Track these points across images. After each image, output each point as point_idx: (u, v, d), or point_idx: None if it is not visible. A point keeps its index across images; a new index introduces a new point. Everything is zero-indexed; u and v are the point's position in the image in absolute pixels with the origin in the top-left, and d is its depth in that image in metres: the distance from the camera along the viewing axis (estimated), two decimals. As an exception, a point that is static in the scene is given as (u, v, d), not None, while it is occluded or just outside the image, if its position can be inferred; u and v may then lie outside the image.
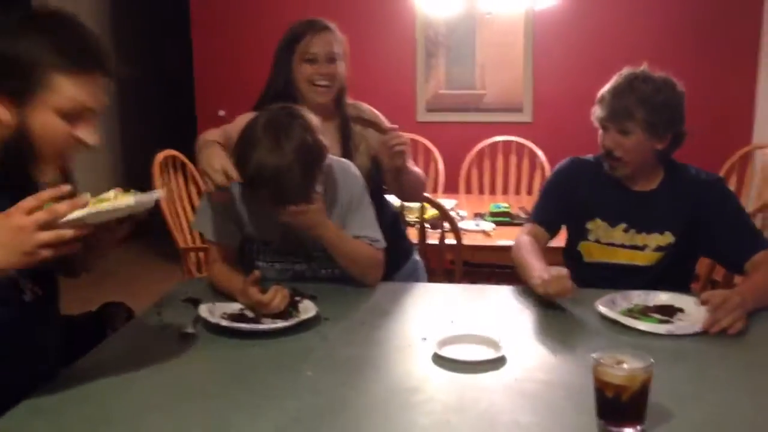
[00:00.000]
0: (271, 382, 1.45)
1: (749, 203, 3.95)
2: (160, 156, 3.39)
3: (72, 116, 1.33)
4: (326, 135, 1.88)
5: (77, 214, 1.21)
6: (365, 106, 2.35)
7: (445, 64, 4.79)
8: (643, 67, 2.14)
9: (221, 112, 5.00)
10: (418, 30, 4.77)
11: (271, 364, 1.54)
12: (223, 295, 1.88)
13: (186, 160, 3.55)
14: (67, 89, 1.30)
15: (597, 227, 2.10)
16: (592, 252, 2.12)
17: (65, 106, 1.31)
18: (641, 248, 2.07)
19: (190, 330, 1.66)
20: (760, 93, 4.46)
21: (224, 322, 1.68)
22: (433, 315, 1.84)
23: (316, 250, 1.99)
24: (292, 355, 1.58)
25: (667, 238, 2.05)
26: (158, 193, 1.36)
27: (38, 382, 1.38)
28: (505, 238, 3.04)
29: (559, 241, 2.23)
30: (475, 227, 3.17)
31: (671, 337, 1.65)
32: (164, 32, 6.39)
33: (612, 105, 2.04)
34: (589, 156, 2.23)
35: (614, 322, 1.72)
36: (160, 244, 5.13)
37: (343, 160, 2.06)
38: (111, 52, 1.37)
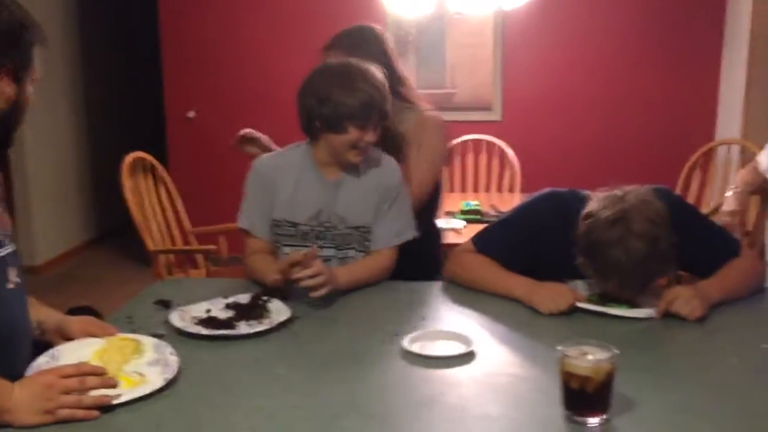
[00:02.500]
0: (244, 382, 1.46)
1: (713, 198, 4.03)
2: (129, 158, 3.37)
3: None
4: None
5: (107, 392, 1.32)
6: None
7: (415, 64, 4.81)
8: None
9: (190, 113, 4.99)
10: (388, 31, 4.77)
11: (243, 363, 1.55)
12: (256, 280, 1.98)
13: (155, 162, 3.53)
14: (39, 62, 1.43)
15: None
16: None
17: (38, 77, 1.44)
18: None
19: (160, 332, 1.66)
20: (723, 89, 4.55)
21: (204, 330, 1.66)
22: (403, 312, 1.86)
23: (346, 230, 2.05)
24: (264, 354, 1.59)
25: None
26: None
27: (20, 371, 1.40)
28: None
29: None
30: (446, 225, 3.20)
31: (634, 328, 1.70)
32: (132, 30, 6.34)
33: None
34: (569, 192, 1.97)
35: (583, 312, 1.76)
36: (128, 246, 5.11)
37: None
38: None
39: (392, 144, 2.24)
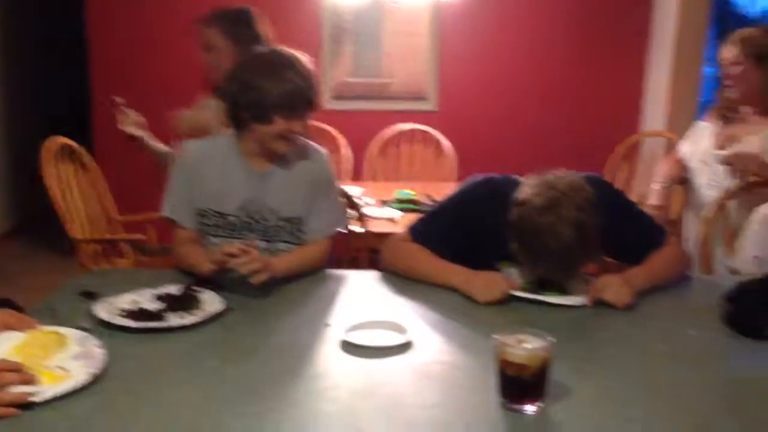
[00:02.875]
0: (175, 376, 1.41)
1: (638, 189, 4.14)
2: (51, 144, 3.21)
3: None
4: None
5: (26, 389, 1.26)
6: None
7: (352, 51, 4.77)
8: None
9: (118, 99, 4.81)
10: (325, 16, 4.74)
11: (173, 357, 1.50)
12: (186, 270, 1.93)
13: (78, 148, 3.38)
14: None
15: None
16: None
17: None
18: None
19: (85, 325, 1.59)
20: (649, 82, 4.67)
21: (132, 323, 1.60)
22: (339, 302, 1.84)
23: (276, 222, 2.01)
24: (195, 347, 1.55)
25: None
26: None
27: None
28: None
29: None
30: (382, 214, 3.19)
31: (567, 316, 1.72)
32: (56, 14, 6.09)
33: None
34: (503, 178, 1.98)
35: (518, 300, 1.78)
36: (47, 237, 4.91)
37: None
38: None
39: None
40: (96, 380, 1.32)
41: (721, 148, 2.59)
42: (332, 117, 4.63)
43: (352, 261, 2.91)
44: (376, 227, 3.00)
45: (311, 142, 2.11)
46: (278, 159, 2.00)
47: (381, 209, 3.26)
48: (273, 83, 1.88)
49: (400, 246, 2.02)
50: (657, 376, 1.42)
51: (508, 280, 1.82)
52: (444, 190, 3.80)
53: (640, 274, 1.83)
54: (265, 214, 2.01)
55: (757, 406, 1.31)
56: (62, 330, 1.46)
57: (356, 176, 4.35)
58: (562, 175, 1.76)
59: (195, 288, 1.78)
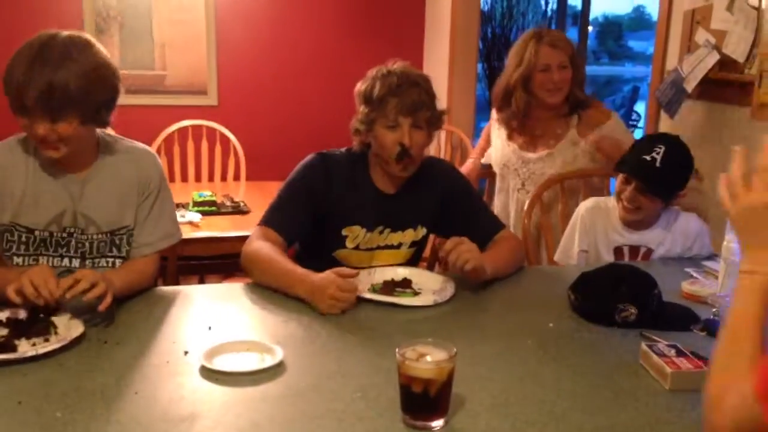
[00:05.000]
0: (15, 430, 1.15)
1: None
2: None
3: None
4: None
5: None
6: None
7: (118, 42, 4.37)
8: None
9: None
10: (86, 3, 4.28)
11: (7, 405, 1.23)
12: None
13: None
14: None
15: (356, 235, 2.00)
16: (350, 259, 2.02)
17: None
18: (397, 246, 2.06)
19: None
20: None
21: None
22: (184, 322, 1.64)
23: (98, 237, 1.73)
24: (31, 393, 1.28)
25: (420, 233, 2.08)
26: None
27: None
28: (214, 228, 2.92)
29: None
30: (181, 219, 2.94)
31: (423, 316, 1.71)
32: None
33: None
34: (337, 151, 2.06)
35: (377, 304, 1.74)
36: None
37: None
38: None
39: None
40: None
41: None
42: (102, 113, 4.22)
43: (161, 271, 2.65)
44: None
45: (138, 142, 1.86)
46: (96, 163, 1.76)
47: (179, 213, 3.01)
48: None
49: (249, 253, 1.86)
50: (534, 372, 1.43)
51: (352, 284, 1.72)
52: (239, 189, 3.67)
53: (486, 260, 1.85)
54: (82, 225, 1.74)
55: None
56: None
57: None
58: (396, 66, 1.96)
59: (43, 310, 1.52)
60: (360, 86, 1.95)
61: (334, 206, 1.97)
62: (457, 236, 1.83)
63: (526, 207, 2.60)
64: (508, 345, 1.56)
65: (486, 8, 8.37)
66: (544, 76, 2.58)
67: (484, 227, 2.04)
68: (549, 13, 9.84)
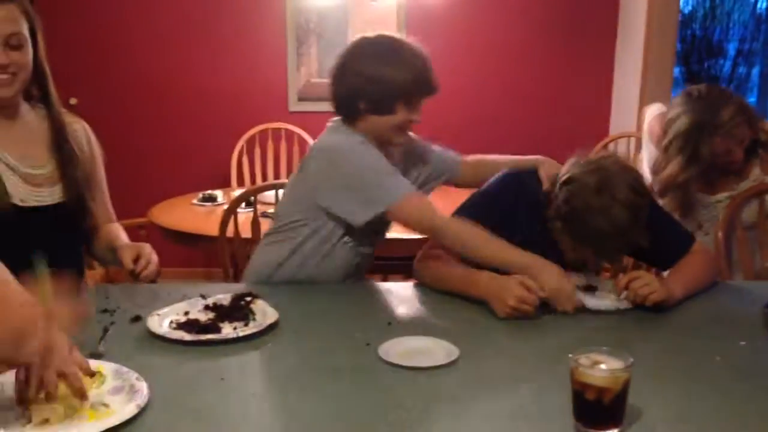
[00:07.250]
0: (216, 405, 1.28)
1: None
2: None
3: None
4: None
5: None
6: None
7: (316, 52, 4.65)
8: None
9: (72, 101, 4.58)
10: (289, 17, 4.60)
11: (212, 380, 1.38)
12: None
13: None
14: None
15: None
16: None
17: None
18: None
19: (101, 350, 1.46)
20: (616, 85, 4.70)
21: (187, 336, 1.53)
22: (373, 316, 1.74)
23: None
24: (231, 371, 1.43)
25: None
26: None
27: None
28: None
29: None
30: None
31: (603, 325, 1.68)
32: None
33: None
34: (525, 172, 1.95)
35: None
36: None
37: None
38: None
39: None
40: (141, 413, 1.20)
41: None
42: (298, 119, 4.55)
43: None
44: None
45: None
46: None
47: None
48: (396, 71, 1.84)
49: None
50: (720, 389, 1.36)
51: (533, 299, 1.66)
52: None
53: (675, 282, 1.78)
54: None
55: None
56: (96, 363, 1.31)
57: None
58: (607, 155, 1.77)
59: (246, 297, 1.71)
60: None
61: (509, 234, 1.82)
62: (644, 254, 1.78)
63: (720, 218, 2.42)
64: (692, 360, 1.49)
65: (687, 9, 7.90)
66: (723, 159, 2.32)
67: (673, 243, 1.93)
68: (759, 11, 9.08)
